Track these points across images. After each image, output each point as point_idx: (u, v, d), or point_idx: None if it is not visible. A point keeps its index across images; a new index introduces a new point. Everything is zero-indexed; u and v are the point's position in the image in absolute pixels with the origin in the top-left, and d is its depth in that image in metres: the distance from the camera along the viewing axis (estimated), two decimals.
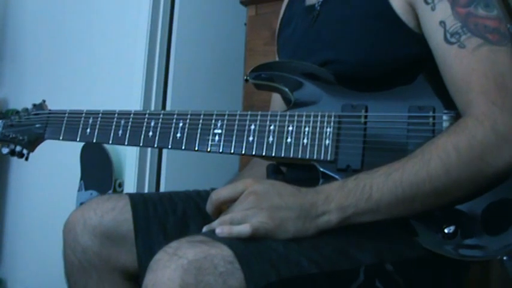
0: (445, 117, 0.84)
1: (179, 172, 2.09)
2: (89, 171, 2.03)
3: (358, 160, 0.86)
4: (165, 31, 2.10)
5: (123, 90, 2.02)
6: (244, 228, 0.73)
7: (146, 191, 1.99)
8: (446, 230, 0.80)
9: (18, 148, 1.16)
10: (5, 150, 1.16)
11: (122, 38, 2.11)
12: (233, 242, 0.70)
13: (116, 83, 2.06)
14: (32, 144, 1.15)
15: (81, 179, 2.04)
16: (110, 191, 1.94)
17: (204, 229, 0.78)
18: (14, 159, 2.36)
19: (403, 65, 0.90)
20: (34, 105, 1.16)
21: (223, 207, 0.81)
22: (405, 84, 0.88)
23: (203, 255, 0.67)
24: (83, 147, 2.03)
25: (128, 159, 2.00)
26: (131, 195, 0.98)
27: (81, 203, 1.27)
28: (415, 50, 0.89)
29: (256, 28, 1.89)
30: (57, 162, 2.17)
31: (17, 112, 1.17)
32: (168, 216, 0.97)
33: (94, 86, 2.11)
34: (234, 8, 2.16)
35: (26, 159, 1.18)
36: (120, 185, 1.98)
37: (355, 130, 0.87)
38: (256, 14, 1.89)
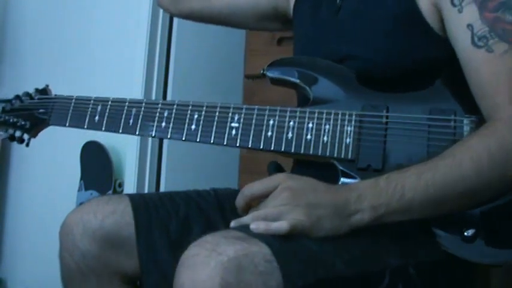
0: (465, 121, 0.84)
1: (179, 172, 2.09)
2: (89, 171, 2.03)
3: (379, 160, 0.85)
4: (165, 31, 2.10)
5: (122, 90, 2.01)
6: (281, 225, 0.71)
7: (146, 191, 1.98)
8: (465, 233, 0.80)
9: (18, 133, 1.10)
10: (4, 135, 1.11)
11: (122, 39, 2.10)
12: (270, 240, 0.68)
13: (116, 84, 2.06)
14: (35, 129, 1.11)
15: (81, 179, 2.03)
16: (110, 191, 1.94)
17: (233, 224, 0.77)
18: (14, 159, 2.36)
19: (424, 66, 0.90)
20: (36, 89, 1.12)
21: (252, 203, 0.80)
22: (422, 87, 0.88)
23: (243, 252, 0.65)
24: (83, 147, 2.03)
25: (128, 159, 2.00)
26: (132, 197, 0.96)
27: (81, 203, 1.26)
28: (436, 52, 0.89)
29: None
30: (57, 162, 2.17)
31: (18, 96, 1.12)
32: (170, 219, 0.95)
33: (94, 87, 2.10)
34: None
35: (27, 145, 1.13)
36: (120, 185, 1.98)
37: (376, 130, 0.87)
38: None
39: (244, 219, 0.75)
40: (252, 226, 0.71)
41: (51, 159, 2.19)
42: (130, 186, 1.96)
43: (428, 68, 0.90)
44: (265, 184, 0.78)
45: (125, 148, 2.01)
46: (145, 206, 0.95)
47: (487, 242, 0.80)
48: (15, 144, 2.31)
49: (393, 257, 0.77)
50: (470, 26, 0.83)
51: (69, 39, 2.26)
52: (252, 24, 1.25)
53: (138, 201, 0.95)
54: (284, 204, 0.74)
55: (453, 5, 0.85)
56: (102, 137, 2.01)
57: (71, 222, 0.93)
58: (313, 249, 0.71)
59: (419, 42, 0.90)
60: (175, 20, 2.13)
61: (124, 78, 2.05)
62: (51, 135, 2.25)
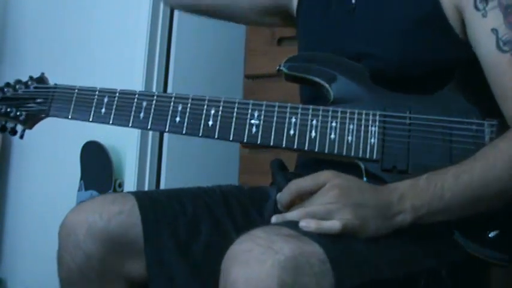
0: (486, 124, 0.86)
1: (179, 172, 2.09)
2: (89, 171, 2.03)
3: (404, 161, 0.86)
4: (165, 31, 2.10)
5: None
6: (334, 225, 0.71)
7: None
8: (489, 235, 0.81)
9: (10, 124, 1.02)
10: None
11: (121, 39, 2.10)
12: (321, 240, 0.67)
13: (116, 84, 2.05)
14: (31, 121, 1.02)
15: (81, 179, 2.03)
16: (110, 191, 1.94)
17: (274, 219, 0.76)
18: (14, 159, 2.36)
19: (443, 68, 0.90)
20: (31, 77, 1.04)
21: (296, 200, 0.78)
22: (439, 88, 0.88)
23: (299, 252, 0.64)
24: (83, 147, 2.03)
25: (128, 159, 1.99)
26: (138, 196, 0.92)
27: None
28: (456, 54, 0.90)
29: (256, 28, 1.89)
30: (57, 162, 2.17)
31: (9, 84, 1.02)
32: (178, 219, 0.92)
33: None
34: None
35: (21, 137, 1.03)
36: (120, 185, 1.98)
37: (400, 131, 0.87)
38: None
39: (290, 215, 0.74)
40: (302, 224, 0.71)
41: (51, 159, 2.19)
42: (130, 186, 1.96)
43: (446, 70, 0.90)
44: (314, 180, 0.77)
45: (125, 148, 2.01)
46: (153, 206, 0.91)
47: (510, 244, 0.82)
48: (15, 144, 2.32)
49: (428, 258, 0.77)
50: (494, 31, 0.84)
51: (69, 39, 2.26)
52: (251, 17, 1.23)
53: (144, 201, 0.92)
54: (332, 202, 0.74)
55: (477, 9, 0.86)
56: (102, 137, 2.01)
57: (74, 222, 0.89)
58: (359, 250, 0.71)
59: (440, 43, 0.91)
60: (176, 19, 2.13)
61: (124, 78, 2.05)
62: (51, 135, 2.24)
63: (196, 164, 2.12)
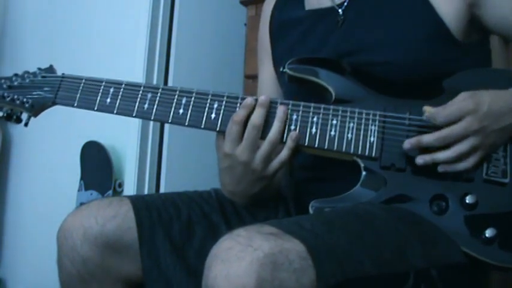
0: None
1: (179, 172, 2.09)
2: (89, 171, 2.03)
3: (403, 159, 0.87)
4: (165, 31, 2.10)
5: None
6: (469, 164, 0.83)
7: (146, 191, 1.98)
8: (487, 234, 0.82)
9: (16, 112, 1.03)
10: None
11: (121, 39, 2.11)
12: (304, 236, 0.68)
13: None
14: (37, 108, 1.02)
15: (81, 179, 2.04)
16: (110, 191, 1.94)
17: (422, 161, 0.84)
18: (14, 159, 2.36)
19: (442, 74, 0.92)
20: (40, 69, 1.06)
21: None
22: (436, 93, 0.90)
23: (278, 249, 0.64)
24: (83, 147, 2.03)
25: (128, 160, 2.00)
26: (133, 200, 0.93)
27: (81, 203, 1.23)
28: (455, 59, 0.93)
29: (256, 28, 1.88)
30: (57, 162, 2.17)
31: (17, 74, 1.05)
32: (172, 223, 0.93)
33: None
34: (234, 8, 2.15)
35: (26, 125, 1.04)
36: (120, 185, 1.98)
37: (399, 131, 0.88)
38: (256, 14, 1.89)
39: (445, 154, 0.84)
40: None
41: (51, 159, 2.19)
42: (130, 186, 1.96)
43: (443, 76, 0.92)
44: (456, 118, 0.84)
45: (125, 148, 2.01)
46: (148, 210, 0.92)
47: (506, 245, 0.82)
48: (15, 144, 2.32)
49: (418, 258, 0.77)
50: None
51: (69, 38, 2.26)
52: None
53: (140, 205, 0.92)
54: (472, 132, 0.83)
55: None
56: (102, 137, 2.01)
57: (71, 226, 0.90)
58: (344, 247, 0.71)
59: (440, 50, 0.93)
60: (175, 20, 2.14)
61: (124, 79, 2.05)
62: (51, 135, 2.24)
63: (195, 164, 2.12)
